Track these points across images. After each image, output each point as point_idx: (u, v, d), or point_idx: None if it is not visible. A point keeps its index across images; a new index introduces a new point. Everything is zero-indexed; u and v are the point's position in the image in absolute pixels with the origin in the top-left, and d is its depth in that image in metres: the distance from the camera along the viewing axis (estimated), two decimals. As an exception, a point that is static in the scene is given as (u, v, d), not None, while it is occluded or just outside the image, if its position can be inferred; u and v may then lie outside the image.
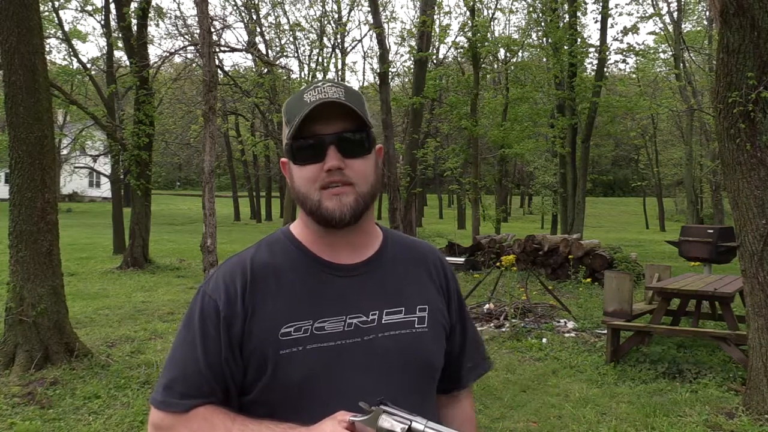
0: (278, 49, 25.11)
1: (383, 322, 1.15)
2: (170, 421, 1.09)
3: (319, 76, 23.66)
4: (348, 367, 1.10)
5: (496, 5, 26.80)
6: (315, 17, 25.94)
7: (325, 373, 1.09)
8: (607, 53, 17.98)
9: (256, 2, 21.74)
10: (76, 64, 19.95)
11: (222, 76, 17.42)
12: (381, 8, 20.37)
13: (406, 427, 0.98)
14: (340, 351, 1.10)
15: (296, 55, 25.87)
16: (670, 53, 23.03)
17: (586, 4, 18.01)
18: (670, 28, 22.31)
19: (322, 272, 1.15)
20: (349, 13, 34.27)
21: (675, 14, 22.02)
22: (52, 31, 18.57)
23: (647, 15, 22.14)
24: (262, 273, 1.14)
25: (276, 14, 26.00)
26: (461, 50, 20.60)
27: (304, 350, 1.09)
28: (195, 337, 1.11)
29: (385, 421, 0.99)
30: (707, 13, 23.09)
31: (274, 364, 1.08)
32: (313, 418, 1.04)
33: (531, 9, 21.36)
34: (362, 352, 1.11)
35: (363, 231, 1.19)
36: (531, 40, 23.69)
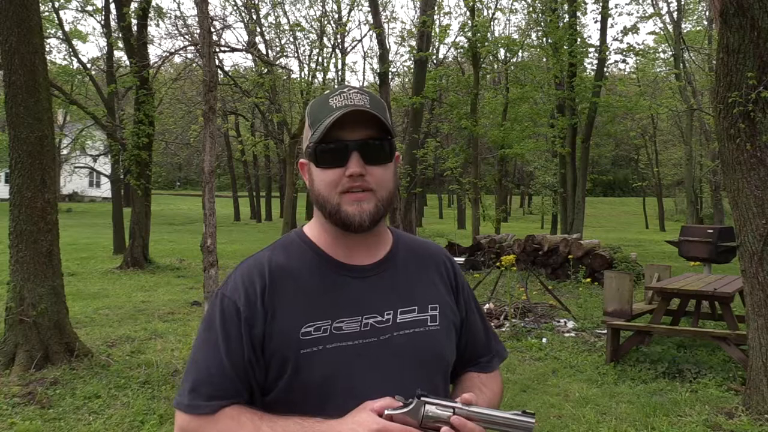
0: (278, 49, 25.07)
1: (398, 321, 1.18)
2: (198, 424, 1.11)
3: (319, 76, 23.60)
4: (366, 366, 1.13)
5: (496, 5, 26.72)
6: (315, 17, 25.89)
7: (344, 371, 1.11)
8: (607, 53, 17.97)
9: (256, 2, 21.72)
10: (76, 64, 19.95)
11: (222, 76, 17.45)
12: (381, 8, 20.36)
13: (452, 413, 1.02)
14: (358, 350, 1.13)
15: (296, 55, 25.81)
16: (670, 53, 23.03)
17: (586, 4, 18.01)
18: (670, 28, 22.31)
19: (337, 274, 1.18)
20: (349, 13, 34.25)
21: (675, 14, 22.04)
22: (52, 31, 18.55)
23: (647, 15, 22.14)
24: (280, 275, 1.16)
25: (276, 14, 25.92)
26: (461, 50, 20.59)
27: (325, 349, 1.11)
28: (217, 339, 1.12)
29: (429, 411, 1.02)
30: (707, 13, 23.09)
31: (295, 364, 1.10)
32: (332, 416, 1.06)
33: (531, 9, 21.35)
34: (378, 351, 1.14)
35: (376, 234, 1.22)
36: (531, 40, 23.68)
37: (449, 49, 27.46)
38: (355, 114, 1.12)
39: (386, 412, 1.02)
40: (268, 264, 1.17)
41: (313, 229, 1.24)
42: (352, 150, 1.12)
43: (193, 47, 13.46)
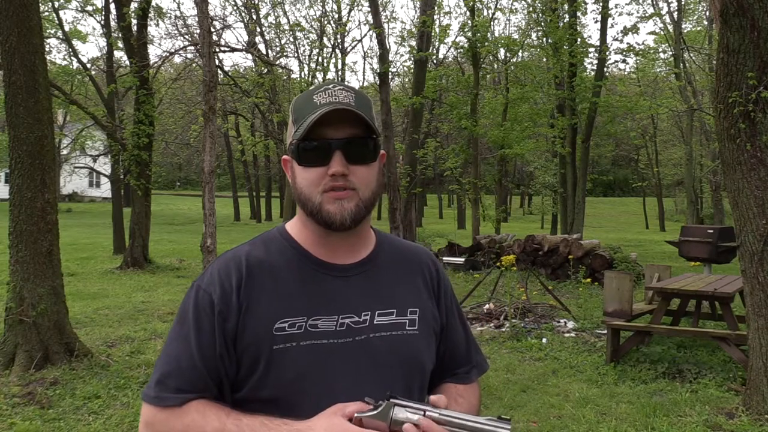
0: (278, 49, 25.12)
1: (375, 322, 1.16)
2: (163, 416, 1.08)
3: (319, 76, 23.63)
4: (339, 367, 1.11)
5: (496, 5, 26.80)
6: (315, 17, 25.95)
7: (316, 371, 1.09)
8: (607, 53, 17.97)
9: (256, 2, 21.73)
10: (76, 64, 19.97)
11: (222, 76, 17.44)
12: (381, 8, 20.36)
13: (422, 415, 1.00)
14: (331, 350, 1.11)
15: (296, 55, 25.87)
16: (670, 53, 23.03)
17: (586, 4, 18.00)
18: (670, 28, 22.31)
19: (316, 271, 1.16)
20: (349, 13, 34.29)
21: (675, 14, 22.03)
22: (52, 31, 18.57)
23: (647, 15, 22.18)
24: (258, 269, 1.14)
25: (276, 14, 25.97)
26: (461, 50, 20.59)
27: (298, 347, 1.09)
28: (189, 332, 1.10)
29: (399, 413, 0.99)
30: (707, 13, 23.09)
31: (268, 360, 1.08)
32: (303, 416, 1.04)
33: (531, 9, 21.35)
34: (353, 352, 1.12)
35: (359, 234, 1.20)
36: (531, 40, 23.69)
37: (449, 49, 27.53)
38: (339, 112, 1.09)
39: (355, 415, 1.00)
40: (246, 258, 1.15)
41: (294, 227, 1.22)
42: (335, 149, 1.10)
43: (193, 47, 13.48)
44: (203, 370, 1.09)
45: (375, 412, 1.00)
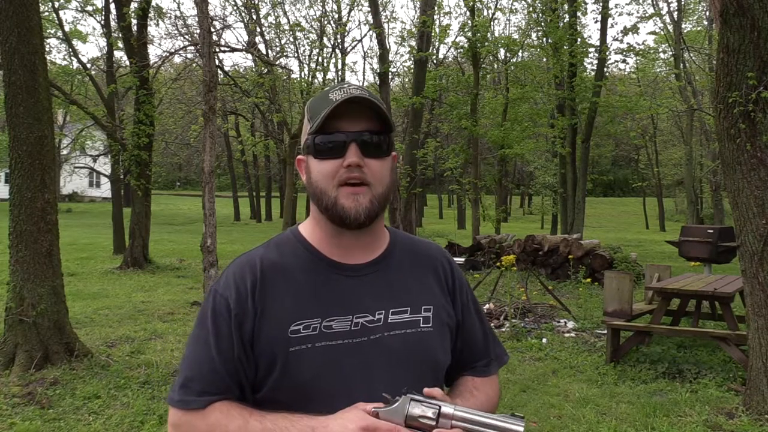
0: (278, 49, 25.07)
1: (389, 321, 1.17)
2: (188, 419, 1.11)
3: (319, 76, 23.58)
4: (355, 366, 1.12)
5: (496, 5, 26.72)
6: (315, 17, 25.88)
7: (333, 371, 1.11)
8: (607, 53, 17.97)
9: (256, 2, 21.70)
10: (76, 64, 19.94)
11: (222, 76, 17.44)
12: (381, 8, 20.34)
13: (437, 411, 1.01)
14: (347, 350, 1.12)
15: (296, 55, 25.79)
16: (670, 53, 23.03)
17: (586, 4, 18.00)
18: (670, 28, 22.30)
19: (330, 272, 1.18)
20: (349, 13, 34.32)
21: (675, 14, 22.02)
22: (52, 31, 18.53)
23: (647, 15, 22.17)
24: (271, 272, 1.16)
25: (276, 14, 25.88)
26: (461, 50, 20.59)
27: (313, 348, 1.11)
28: (208, 336, 1.13)
29: (415, 408, 1.01)
30: (707, 13, 23.09)
31: (284, 362, 1.10)
32: (321, 414, 1.05)
33: (531, 9, 21.34)
34: (368, 351, 1.13)
35: (372, 232, 1.21)
36: (531, 40, 23.68)
37: (449, 49, 27.48)
38: (354, 106, 1.12)
39: (372, 409, 1.02)
40: (260, 261, 1.17)
41: (308, 228, 1.23)
42: (351, 141, 1.12)
43: (193, 47, 13.46)
44: (223, 372, 1.11)
45: (392, 407, 1.02)
